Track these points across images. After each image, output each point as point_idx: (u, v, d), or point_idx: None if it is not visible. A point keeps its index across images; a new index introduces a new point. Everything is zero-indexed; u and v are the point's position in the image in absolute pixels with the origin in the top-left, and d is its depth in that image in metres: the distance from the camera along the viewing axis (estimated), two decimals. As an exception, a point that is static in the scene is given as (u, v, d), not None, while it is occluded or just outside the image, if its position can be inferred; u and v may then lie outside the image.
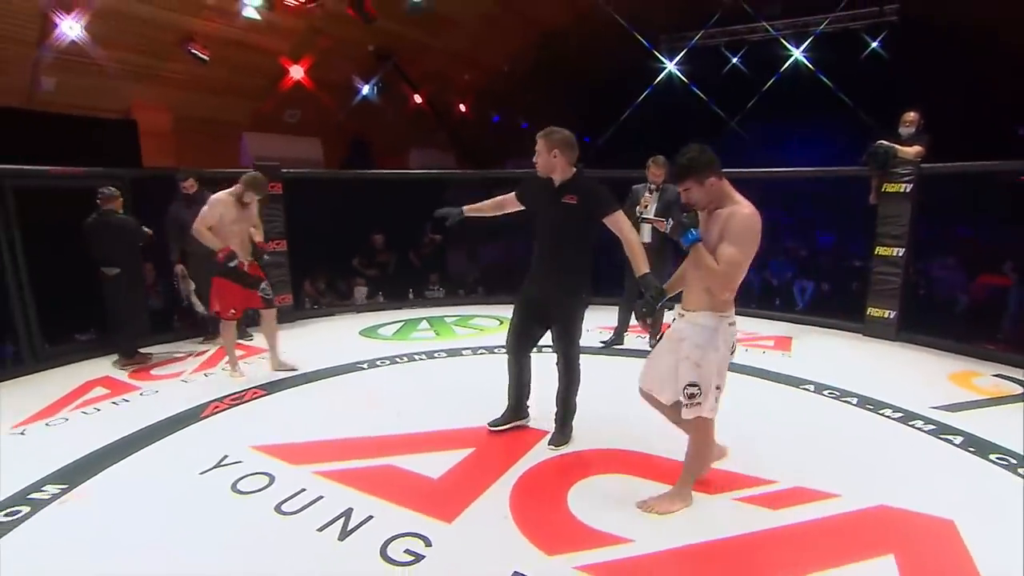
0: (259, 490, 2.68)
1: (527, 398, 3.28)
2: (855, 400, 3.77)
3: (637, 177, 4.87)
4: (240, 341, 5.30)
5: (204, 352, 5.01)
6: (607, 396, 3.33)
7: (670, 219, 2.59)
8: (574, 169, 2.88)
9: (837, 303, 6.39)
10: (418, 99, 9.90)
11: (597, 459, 2.96)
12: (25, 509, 2.54)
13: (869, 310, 5.36)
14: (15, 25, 5.50)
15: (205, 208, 4.00)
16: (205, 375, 4.41)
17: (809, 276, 7.20)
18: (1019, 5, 7.11)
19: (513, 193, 3.16)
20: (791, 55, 10.41)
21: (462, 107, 10.96)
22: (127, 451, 3.09)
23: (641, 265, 2.69)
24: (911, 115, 5.10)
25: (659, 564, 2.18)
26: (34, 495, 2.65)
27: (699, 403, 2.30)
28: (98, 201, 4.42)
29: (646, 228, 4.60)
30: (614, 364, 4.55)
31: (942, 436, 3.21)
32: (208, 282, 4.63)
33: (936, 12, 8.57)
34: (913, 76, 8.53)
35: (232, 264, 3.97)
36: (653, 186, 4.72)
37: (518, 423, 3.28)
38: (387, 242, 7.71)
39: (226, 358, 4.40)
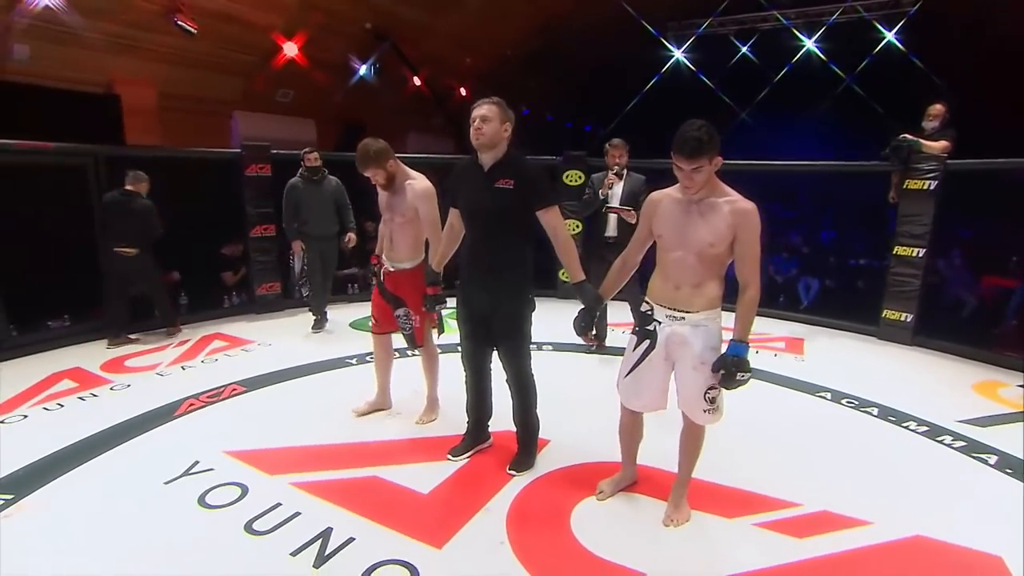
0: (229, 504, 2.41)
1: (489, 418, 2.91)
2: (876, 411, 3.53)
3: (637, 168, 4.39)
4: (221, 331, 5.04)
5: (185, 342, 4.73)
6: (606, 400, 3.02)
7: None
8: (506, 147, 2.44)
9: (842, 302, 6.19)
10: (417, 82, 9.53)
11: (600, 473, 2.67)
12: (-37, 523, 2.27)
13: (885, 312, 5.11)
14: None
15: None
16: (183, 368, 4.13)
17: (814, 274, 6.96)
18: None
19: (451, 208, 2.67)
20: (803, 45, 10.12)
21: (462, 91, 10.59)
22: (87, 455, 2.81)
23: (576, 271, 2.45)
24: (936, 107, 4.81)
25: (675, 603, 1.93)
26: (-25, 506, 2.38)
27: (719, 406, 2.17)
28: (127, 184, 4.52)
29: (612, 220, 4.25)
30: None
31: (974, 454, 2.97)
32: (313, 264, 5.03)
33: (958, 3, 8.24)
34: (936, 68, 8.24)
35: (375, 267, 3.23)
36: (616, 168, 4.24)
37: (480, 447, 2.90)
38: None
39: (207, 348, 4.09)
